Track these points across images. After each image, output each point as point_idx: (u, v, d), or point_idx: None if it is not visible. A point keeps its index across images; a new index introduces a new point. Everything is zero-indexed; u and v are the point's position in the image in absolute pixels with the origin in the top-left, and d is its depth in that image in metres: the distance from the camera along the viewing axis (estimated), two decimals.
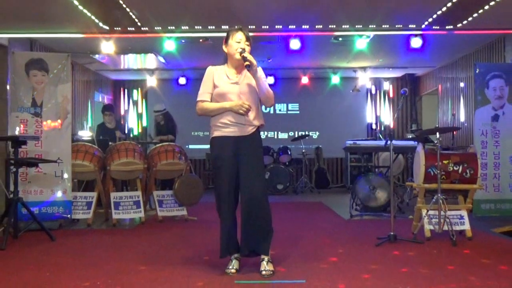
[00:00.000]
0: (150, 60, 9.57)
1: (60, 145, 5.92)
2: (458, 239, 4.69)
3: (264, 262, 3.63)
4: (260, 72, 3.76)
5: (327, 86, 11.39)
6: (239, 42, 3.71)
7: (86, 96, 9.90)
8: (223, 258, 3.75)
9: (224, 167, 3.68)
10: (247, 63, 3.61)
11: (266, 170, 9.74)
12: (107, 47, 6.98)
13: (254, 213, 3.64)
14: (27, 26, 6.50)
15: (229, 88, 3.73)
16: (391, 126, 11.17)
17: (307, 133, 11.06)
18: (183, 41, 7.55)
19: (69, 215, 5.95)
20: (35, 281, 3.55)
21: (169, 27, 6.61)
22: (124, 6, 5.70)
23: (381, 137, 9.60)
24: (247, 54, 3.66)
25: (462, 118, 9.06)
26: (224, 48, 3.83)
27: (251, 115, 3.71)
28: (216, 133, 3.74)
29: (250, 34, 3.83)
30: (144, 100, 11.96)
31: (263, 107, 3.93)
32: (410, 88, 10.96)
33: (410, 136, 9.40)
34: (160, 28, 6.63)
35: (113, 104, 11.06)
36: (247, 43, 3.74)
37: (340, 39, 7.63)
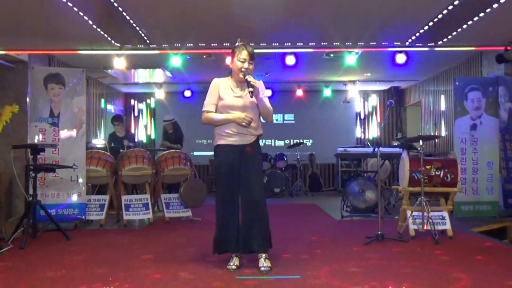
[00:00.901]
0: (158, 75, 9.59)
1: (76, 152, 5.92)
2: (440, 238, 4.69)
3: (263, 259, 3.63)
4: (261, 86, 3.75)
5: (319, 98, 11.42)
6: (243, 62, 3.69)
7: (99, 107, 9.90)
8: (217, 254, 3.79)
9: (226, 173, 3.69)
10: (250, 89, 3.60)
11: (264, 175, 9.75)
12: (119, 62, 6.99)
13: (254, 214, 3.64)
14: (46, 44, 6.52)
15: (233, 101, 3.73)
16: (378, 134, 11.18)
17: (301, 141, 11.05)
18: (188, 57, 7.57)
19: (83, 217, 5.94)
20: (52, 277, 3.54)
21: (175, 44, 6.64)
22: (134, 25, 5.72)
23: (369, 144, 9.60)
24: (250, 78, 3.62)
25: (443, 127, 9.08)
26: (230, 64, 3.83)
27: (252, 125, 3.71)
28: (220, 142, 3.74)
29: None
30: (152, 111, 11.97)
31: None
32: (395, 100, 10.98)
33: (396, 144, 9.42)
34: (167, 45, 6.66)
35: (124, 115, 11.07)
36: (251, 62, 3.72)
37: (332, 55, 7.66)
